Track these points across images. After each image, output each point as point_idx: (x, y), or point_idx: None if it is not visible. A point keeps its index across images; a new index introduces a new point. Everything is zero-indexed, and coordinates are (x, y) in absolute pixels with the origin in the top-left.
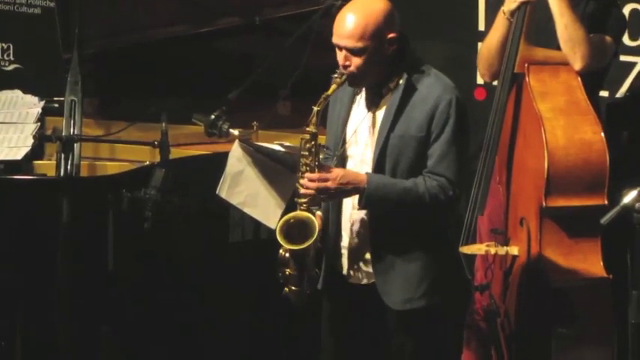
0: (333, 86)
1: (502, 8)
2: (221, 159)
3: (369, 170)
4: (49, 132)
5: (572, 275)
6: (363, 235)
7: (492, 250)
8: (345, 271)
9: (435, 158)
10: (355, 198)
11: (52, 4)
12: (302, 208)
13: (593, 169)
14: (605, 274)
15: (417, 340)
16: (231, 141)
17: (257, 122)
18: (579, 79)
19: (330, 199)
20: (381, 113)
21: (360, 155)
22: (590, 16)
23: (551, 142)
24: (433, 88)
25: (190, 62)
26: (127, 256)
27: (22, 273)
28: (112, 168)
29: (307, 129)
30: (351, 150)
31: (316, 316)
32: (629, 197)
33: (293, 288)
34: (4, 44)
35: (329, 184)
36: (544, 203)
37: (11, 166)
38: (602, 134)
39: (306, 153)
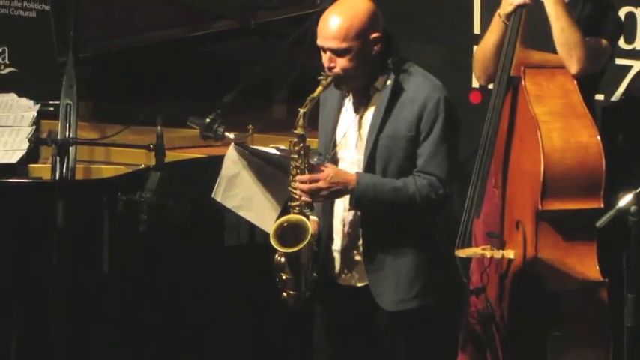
0: (319, 88)
1: (498, 11)
2: (216, 162)
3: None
4: (44, 135)
5: (567, 278)
6: (354, 237)
7: (488, 254)
8: (337, 273)
9: (425, 157)
10: (347, 199)
11: (47, 8)
12: (295, 211)
13: (589, 173)
14: (600, 278)
15: (410, 341)
16: (227, 144)
17: (252, 125)
18: (575, 82)
19: (323, 199)
20: (369, 114)
21: (351, 157)
22: (587, 19)
23: (547, 146)
24: (421, 87)
25: (186, 65)
26: (123, 259)
27: (17, 276)
28: (107, 171)
29: (295, 132)
30: (341, 153)
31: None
32: (624, 200)
33: (291, 292)
34: None
35: (320, 184)
36: (540, 206)
37: (6, 169)
38: (598, 137)
39: (296, 156)
